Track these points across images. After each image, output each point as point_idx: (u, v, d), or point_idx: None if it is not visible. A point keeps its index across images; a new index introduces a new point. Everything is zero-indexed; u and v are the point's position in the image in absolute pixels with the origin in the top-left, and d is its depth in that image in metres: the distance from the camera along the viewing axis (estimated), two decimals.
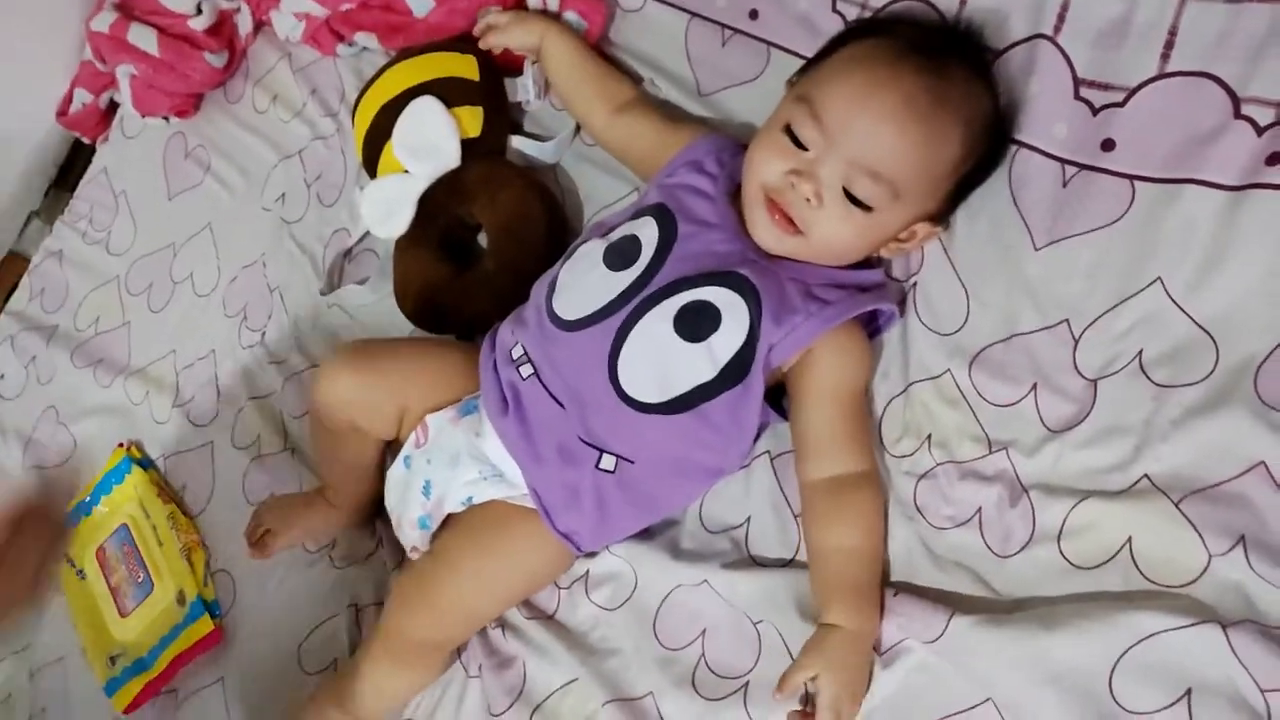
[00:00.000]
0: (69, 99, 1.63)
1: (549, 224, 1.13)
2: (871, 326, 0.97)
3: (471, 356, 1.04)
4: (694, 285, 0.91)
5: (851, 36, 0.95)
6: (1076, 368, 0.89)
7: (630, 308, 0.91)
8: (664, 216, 0.96)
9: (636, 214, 0.99)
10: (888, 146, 0.86)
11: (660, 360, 0.91)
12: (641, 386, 0.91)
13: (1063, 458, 0.87)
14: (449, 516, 1.02)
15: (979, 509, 0.89)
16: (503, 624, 1.04)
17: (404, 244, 1.20)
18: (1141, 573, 0.81)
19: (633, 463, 0.94)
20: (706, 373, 0.90)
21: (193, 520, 1.30)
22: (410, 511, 1.03)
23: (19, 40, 1.58)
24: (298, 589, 1.19)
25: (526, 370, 0.96)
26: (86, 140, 1.69)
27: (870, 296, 0.93)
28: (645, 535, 1.02)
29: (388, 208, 1.19)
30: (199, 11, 1.45)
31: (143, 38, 1.47)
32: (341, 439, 1.09)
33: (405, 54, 1.25)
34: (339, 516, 1.16)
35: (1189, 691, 0.76)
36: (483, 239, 1.22)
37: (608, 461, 0.94)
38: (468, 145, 1.17)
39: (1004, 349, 0.92)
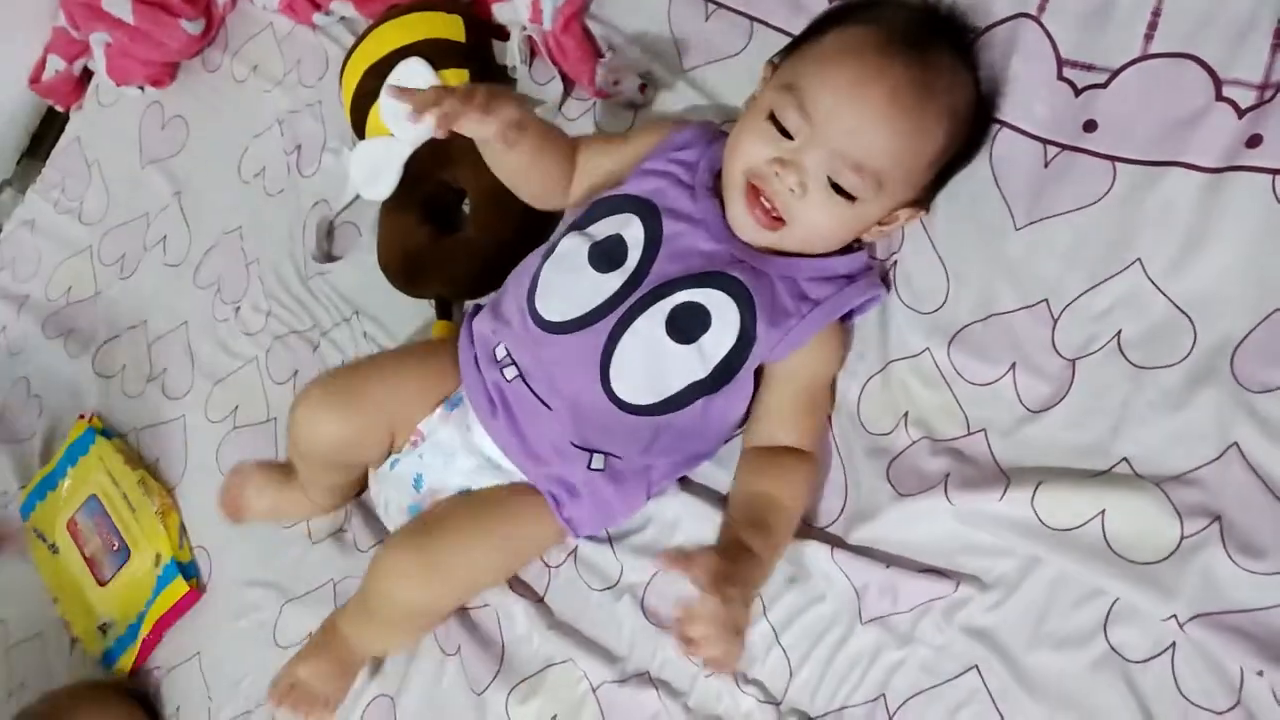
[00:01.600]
0: (42, 65, 1.61)
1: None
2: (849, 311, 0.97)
3: (450, 357, 1.02)
4: (684, 286, 0.90)
5: (836, 20, 0.94)
6: (1055, 347, 0.89)
7: (622, 311, 0.91)
8: (647, 213, 0.94)
9: (618, 209, 0.97)
10: (873, 139, 0.85)
11: (653, 363, 0.91)
12: (634, 389, 0.91)
13: (1040, 439, 0.87)
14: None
15: (947, 474, 0.89)
16: (488, 604, 1.04)
17: (388, 207, 1.20)
18: (1110, 545, 0.81)
19: (620, 458, 0.95)
20: (699, 372, 0.91)
21: (163, 484, 1.29)
22: (399, 500, 1.03)
23: None
24: (274, 564, 1.19)
25: (511, 372, 0.95)
26: (60, 108, 1.67)
27: (858, 288, 0.93)
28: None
29: (374, 170, 1.18)
30: None
31: (117, 4, 1.45)
32: (327, 469, 1.08)
33: (392, 12, 1.23)
34: (311, 508, 1.16)
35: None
36: (466, 205, 1.21)
37: (598, 461, 0.95)
38: None
39: (983, 328, 0.92)
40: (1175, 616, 0.77)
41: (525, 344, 0.95)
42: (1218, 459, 0.80)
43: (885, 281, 0.97)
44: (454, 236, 1.16)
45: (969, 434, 0.90)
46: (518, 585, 1.04)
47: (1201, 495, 0.79)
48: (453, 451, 0.99)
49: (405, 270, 1.17)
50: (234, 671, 1.16)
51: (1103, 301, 0.88)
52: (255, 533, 1.20)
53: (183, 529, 1.26)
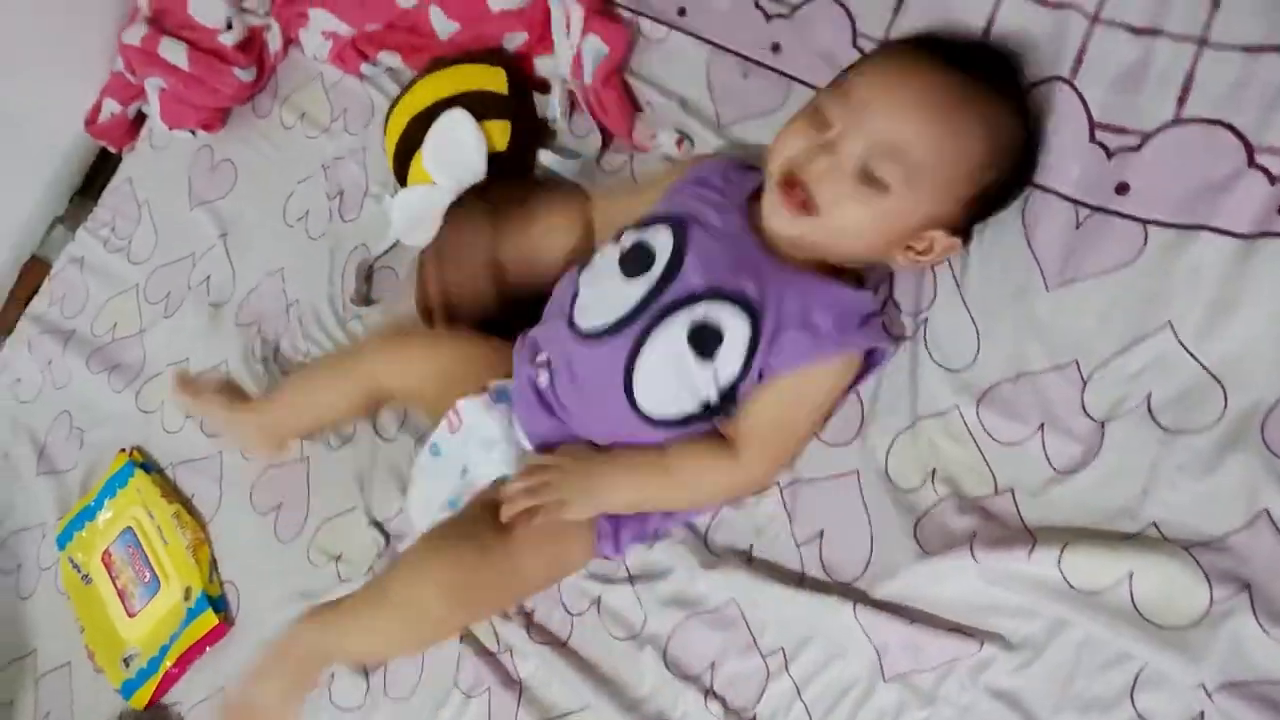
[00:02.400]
0: (98, 108, 1.66)
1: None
2: (869, 358, 0.97)
3: (499, 350, 1.07)
4: (704, 300, 0.92)
5: (895, 43, 0.98)
6: (1084, 409, 0.89)
7: (646, 319, 0.93)
8: (677, 223, 0.97)
9: (649, 222, 0.99)
10: (909, 126, 0.87)
11: (674, 375, 0.93)
12: (654, 401, 0.94)
13: (1068, 500, 0.87)
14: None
15: (974, 533, 0.88)
16: (511, 648, 1.04)
17: (429, 253, 1.21)
18: (1138, 609, 0.80)
19: None
20: (712, 391, 0.93)
21: (198, 518, 1.31)
22: (439, 495, 1.05)
23: (52, 49, 1.60)
24: (301, 602, 1.19)
25: (544, 379, 0.99)
26: (113, 150, 1.71)
27: (862, 334, 0.94)
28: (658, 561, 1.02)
29: (415, 217, 1.21)
30: (229, 27, 1.48)
31: (173, 51, 1.49)
32: (346, 387, 1.15)
33: (437, 64, 1.27)
34: (254, 431, 1.22)
35: None
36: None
37: None
38: (494, 159, 1.19)
39: (1012, 387, 0.92)
40: (1204, 685, 0.76)
41: (562, 351, 0.98)
42: (1247, 526, 0.79)
43: (902, 337, 0.98)
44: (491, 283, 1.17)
45: (996, 493, 0.90)
46: (539, 632, 1.04)
47: (1231, 562, 0.78)
48: (493, 441, 1.02)
49: (443, 315, 1.18)
50: None
51: (1133, 364, 0.88)
52: (285, 569, 1.22)
53: (214, 564, 1.28)
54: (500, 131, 1.20)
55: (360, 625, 1.01)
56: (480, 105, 1.20)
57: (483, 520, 0.99)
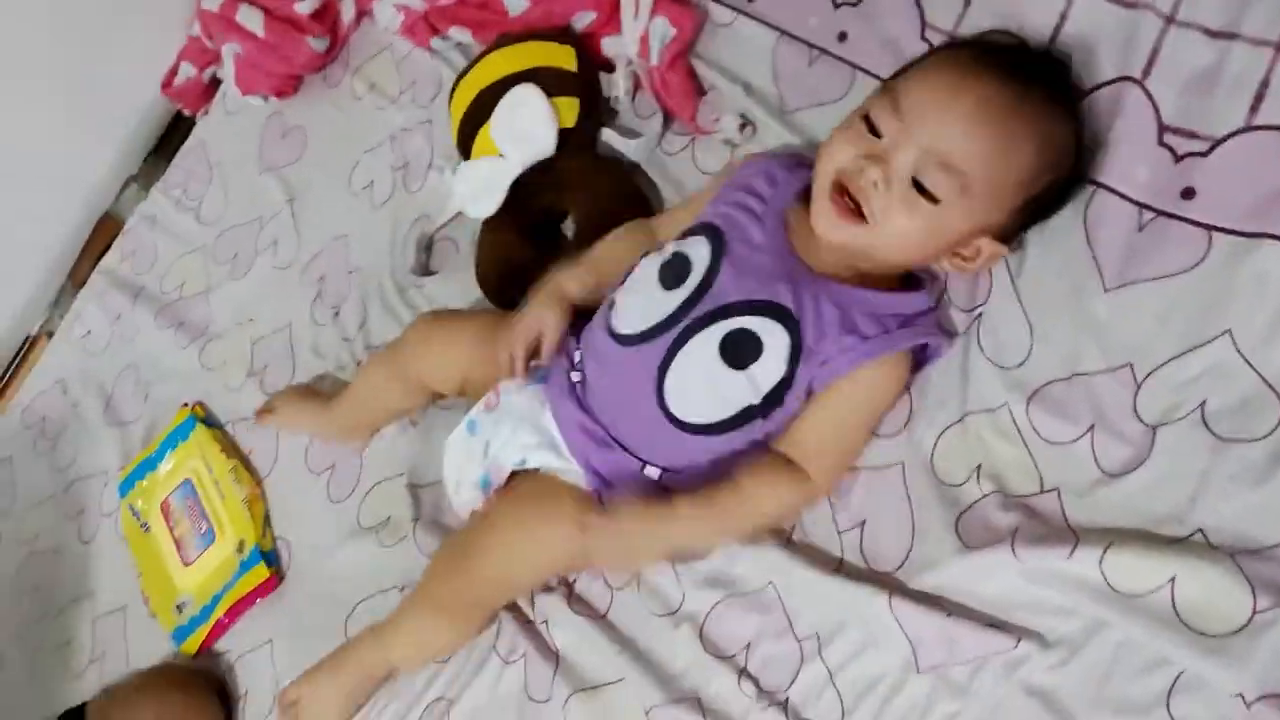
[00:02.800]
0: (174, 71, 1.70)
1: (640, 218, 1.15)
2: (920, 355, 0.97)
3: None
4: (740, 313, 0.93)
5: (944, 48, 0.97)
6: (1136, 412, 0.88)
7: (679, 328, 0.94)
8: (715, 236, 0.98)
9: (689, 234, 1.01)
10: (961, 137, 0.86)
11: (706, 383, 0.94)
12: (688, 407, 0.94)
13: (1115, 502, 0.86)
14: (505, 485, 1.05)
15: (1016, 529, 0.88)
16: (548, 619, 1.06)
17: (491, 225, 1.24)
18: (1178, 614, 0.79)
19: (678, 472, 0.98)
20: (751, 398, 0.93)
21: (254, 474, 1.35)
22: (471, 473, 1.07)
23: (132, 12, 1.65)
24: (348, 563, 1.23)
25: (576, 377, 1.01)
26: (187, 112, 1.76)
27: (908, 332, 0.94)
28: None
29: (480, 188, 1.23)
30: None
31: (250, 19, 1.52)
32: (399, 383, 1.18)
33: (505, 40, 1.28)
34: (337, 431, 1.27)
35: None
36: (567, 227, 1.25)
37: (652, 471, 0.98)
38: (561, 135, 1.21)
39: (1065, 387, 0.92)
40: (1242, 695, 0.76)
41: (595, 352, 1.00)
42: None
43: (967, 333, 0.97)
44: (554, 251, 1.19)
45: (1042, 492, 0.90)
46: (578, 603, 1.06)
47: (1276, 571, 0.78)
48: (520, 421, 1.03)
49: (504, 284, 1.21)
50: (303, 661, 1.20)
51: (1189, 370, 0.87)
52: (333, 529, 1.25)
53: (267, 519, 1.32)
54: (569, 108, 1.22)
55: (409, 636, 1.07)
56: (550, 81, 1.22)
57: (501, 515, 1.02)
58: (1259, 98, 0.90)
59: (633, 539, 0.95)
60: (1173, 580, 0.80)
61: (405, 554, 1.18)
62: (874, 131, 0.90)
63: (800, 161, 1.02)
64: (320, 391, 1.32)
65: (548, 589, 1.07)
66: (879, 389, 0.95)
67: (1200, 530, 0.82)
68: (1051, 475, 0.90)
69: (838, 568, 0.95)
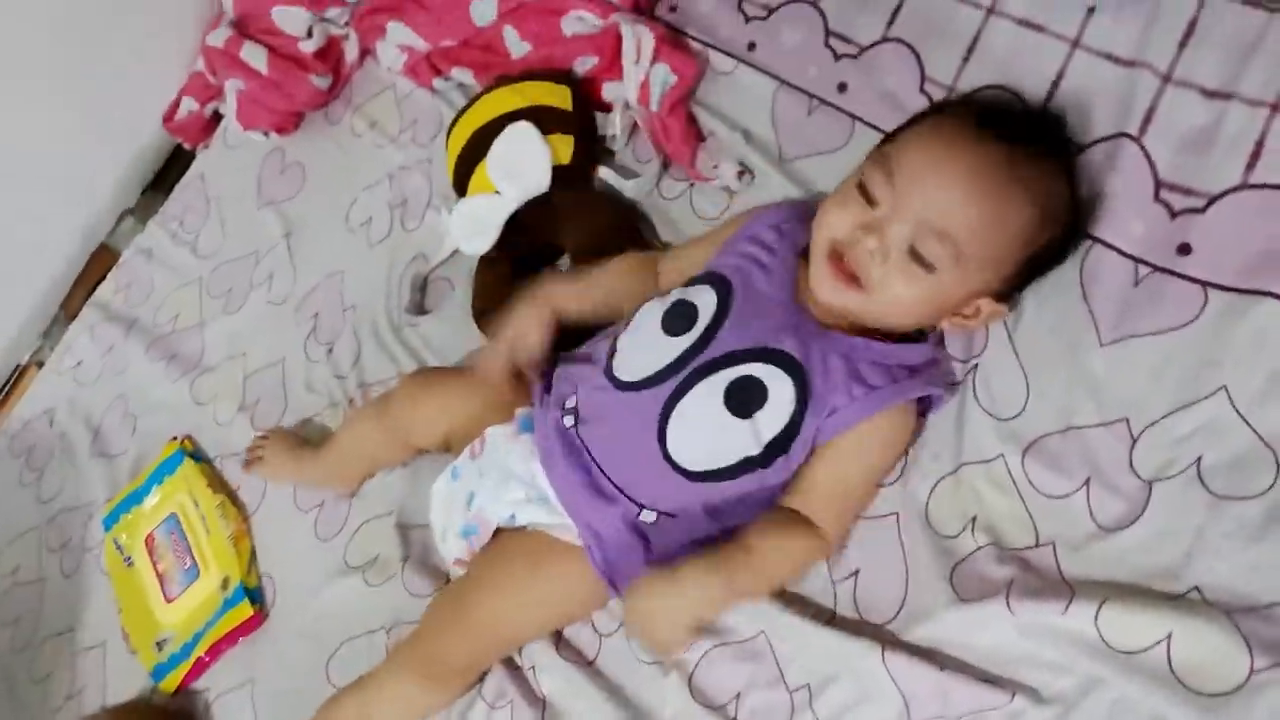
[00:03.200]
0: (176, 105, 1.71)
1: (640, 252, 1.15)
2: (921, 404, 0.97)
3: (526, 385, 1.07)
4: (745, 360, 0.92)
5: (936, 110, 0.97)
6: (1133, 467, 0.88)
7: (683, 375, 0.93)
8: (721, 285, 0.98)
9: (696, 281, 1.01)
10: (956, 208, 0.86)
11: (709, 431, 0.93)
12: (689, 454, 0.93)
13: (1110, 557, 0.86)
14: (491, 540, 1.03)
15: (1011, 582, 0.87)
16: (535, 665, 1.04)
17: (487, 262, 1.24)
18: (1175, 673, 0.79)
19: (674, 517, 0.96)
20: (752, 448, 0.92)
21: (241, 510, 1.34)
22: (454, 523, 1.05)
23: (136, 46, 1.66)
24: (334, 601, 1.21)
25: (569, 420, 0.99)
26: (187, 146, 1.76)
27: (916, 382, 0.93)
28: None
29: (476, 225, 1.23)
30: (310, 35, 1.52)
31: (254, 56, 1.53)
32: (384, 439, 1.17)
33: (502, 81, 1.30)
34: (323, 480, 1.27)
35: None
36: (563, 264, 1.25)
37: (648, 515, 0.96)
38: (557, 172, 1.22)
39: (1060, 440, 0.92)
40: None
41: (594, 398, 0.98)
42: None
43: (963, 384, 0.97)
44: None
45: (1037, 545, 0.89)
46: (567, 649, 1.04)
47: (1274, 631, 0.77)
48: (509, 475, 1.01)
49: (499, 321, 1.20)
50: (283, 703, 1.18)
51: (1185, 426, 0.87)
52: (319, 568, 1.23)
53: (253, 555, 1.30)
54: (564, 145, 1.23)
55: (394, 699, 1.04)
56: (545, 119, 1.23)
57: (493, 568, 1.01)
58: (1254, 156, 0.91)
59: (651, 614, 0.91)
60: (1169, 637, 0.79)
61: (393, 594, 1.17)
62: (869, 199, 0.90)
63: (808, 213, 1.02)
64: (308, 440, 1.31)
65: None
66: (888, 439, 0.94)
67: (1196, 587, 0.82)
68: (1047, 528, 0.90)
69: (830, 619, 0.94)
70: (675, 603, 0.90)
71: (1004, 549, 0.90)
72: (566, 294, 1.08)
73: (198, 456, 1.41)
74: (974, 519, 0.93)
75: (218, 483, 1.37)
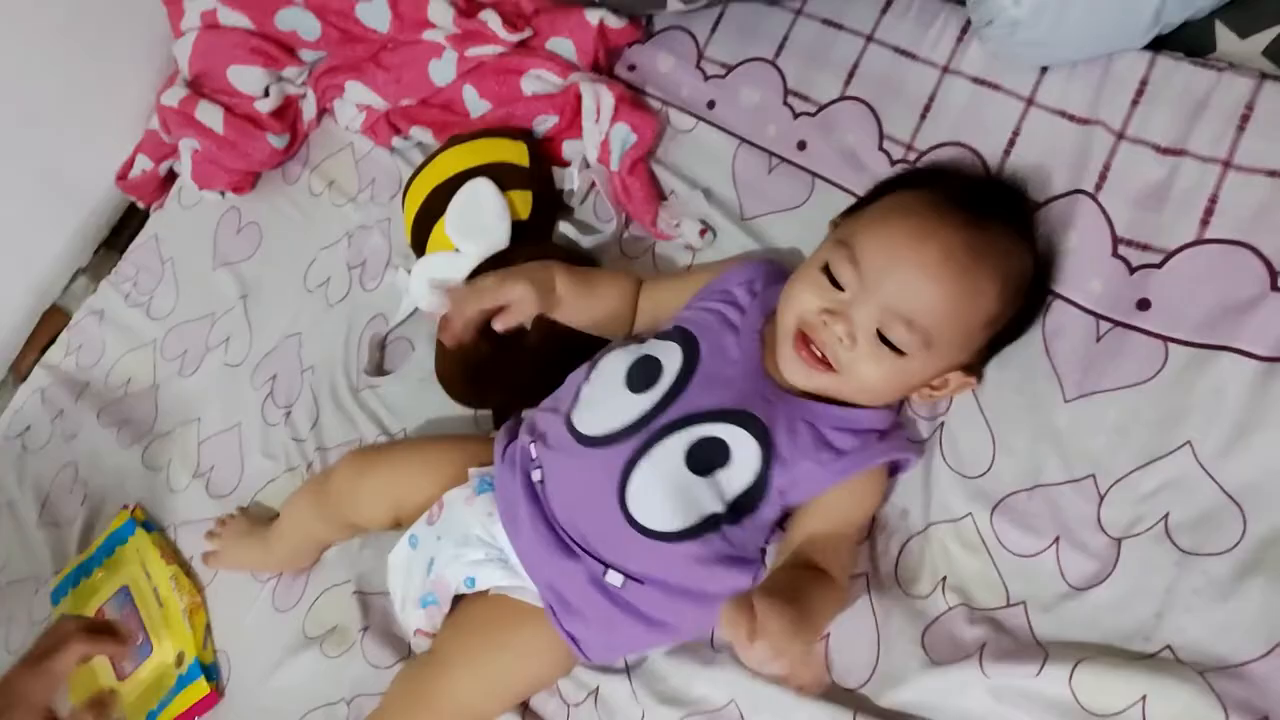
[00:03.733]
0: (130, 164, 1.68)
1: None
2: (891, 465, 0.96)
3: (476, 449, 1.06)
4: (709, 420, 0.91)
5: (896, 185, 0.97)
6: (1101, 525, 0.88)
7: (645, 434, 0.92)
8: (688, 343, 0.97)
9: (662, 335, 1.00)
10: (923, 297, 0.86)
11: (669, 490, 0.91)
12: (649, 513, 0.91)
13: (1081, 617, 0.85)
14: (451, 611, 1.01)
15: (984, 644, 0.86)
16: None
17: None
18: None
19: (641, 583, 0.94)
20: (715, 505, 0.91)
21: (196, 581, 1.30)
22: (413, 591, 1.02)
23: (90, 103, 1.63)
24: (293, 675, 1.17)
25: (537, 475, 0.97)
26: (141, 205, 1.73)
27: (885, 446, 0.93)
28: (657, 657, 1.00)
29: (436, 284, 1.21)
30: (266, 94, 1.51)
31: (209, 115, 1.52)
32: (327, 523, 1.14)
33: (458, 139, 1.29)
34: (277, 566, 1.23)
35: None
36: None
37: (614, 578, 0.94)
38: (517, 228, 1.20)
39: (1028, 498, 0.91)
40: None
41: (555, 454, 0.96)
42: (1266, 655, 0.78)
43: (929, 441, 0.97)
44: (514, 347, 1.17)
45: (1008, 605, 0.89)
46: (532, 718, 1.02)
47: (1248, 691, 0.77)
48: (466, 538, 0.99)
49: (467, 381, 1.18)
50: None
51: (1151, 482, 0.87)
52: (277, 640, 1.20)
53: (208, 629, 1.26)
54: (523, 201, 1.22)
55: None
56: (503, 176, 1.22)
57: (457, 644, 0.98)
58: (1209, 212, 0.93)
59: (786, 651, 0.76)
60: (1144, 699, 0.79)
61: (353, 665, 1.13)
62: (834, 282, 0.89)
63: (781, 275, 1.01)
64: (263, 524, 1.25)
65: None
66: (859, 503, 0.94)
67: (1169, 646, 0.81)
68: (1017, 588, 0.89)
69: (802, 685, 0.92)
70: (820, 620, 0.86)
71: (975, 609, 0.90)
72: (567, 283, 1.04)
73: (150, 526, 1.37)
74: (944, 579, 0.92)
75: (170, 553, 1.33)
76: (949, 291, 0.86)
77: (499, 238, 1.20)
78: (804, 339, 0.91)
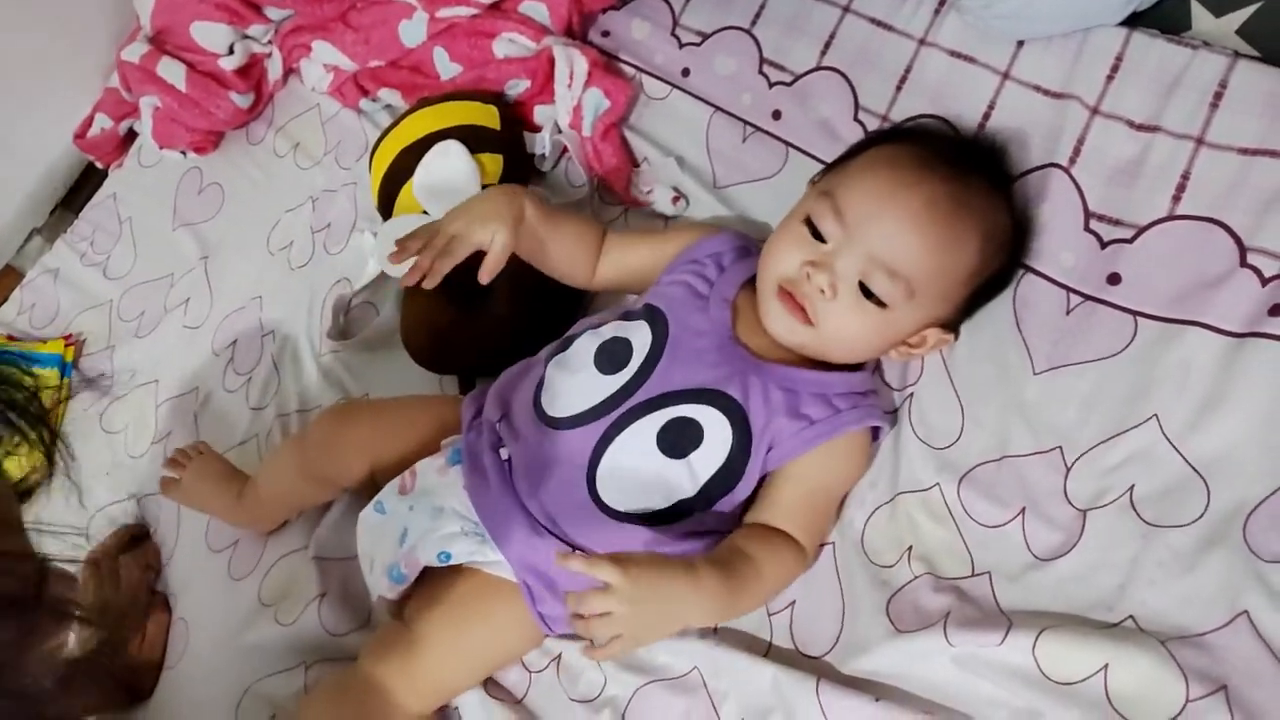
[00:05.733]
0: (89, 122, 1.64)
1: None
2: (872, 431, 0.96)
3: (452, 411, 1.04)
4: (680, 401, 0.90)
5: (878, 140, 0.97)
6: (1067, 496, 0.88)
7: (615, 416, 0.91)
8: (657, 321, 0.95)
9: (631, 315, 0.98)
10: (907, 245, 0.86)
11: (642, 473, 0.90)
12: (619, 495, 0.91)
13: (1046, 587, 0.86)
14: (422, 580, 0.99)
15: (948, 613, 0.86)
16: (461, 705, 0.99)
17: (414, 286, 1.19)
18: (1111, 703, 0.78)
19: None
20: (687, 489, 0.90)
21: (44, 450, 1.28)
22: (382, 557, 1.00)
23: (48, 60, 1.59)
24: (249, 642, 1.15)
25: (504, 453, 0.96)
26: (100, 165, 1.69)
27: (860, 412, 0.92)
28: None
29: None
30: (231, 52, 1.47)
31: (171, 72, 1.48)
32: (304, 479, 1.10)
33: (427, 101, 1.26)
34: (243, 522, 1.19)
35: None
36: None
37: None
38: (485, 191, 1.17)
39: (995, 469, 0.91)
40: None
41: (522, 434, 0.95)
42: (1226, 625, 0.78)
43: (898, 412, 0.97)
44: (482, 313, 1.15)
45: (973, 575, 0.89)
46: (495, 688, 1.00)
47: (1208, 661, 0.77)
48: (440, 509, 0.97)
49: (433, 347, 1.16)
50: None
51: (1117, 455, 0.88)
52: (233, 608, 1.17)
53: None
54: (493, 164, 1.19)
55: None
56: (473, 139, 1.20)
57: (429, 619, 0.95)
58: (1180, 189, 0.93)
59: (645, 611, 0.82)
60: (1105, 668, 0.79)
61: (309, 631, 1.11)
62: (816, 235, 0.89)
63: (750, 248, 1.01)
64: (237, 473, 1.21)
65: None
66: (838, 468, 0.93)
67: (1131, 617, 0.82)
68: (983, 558, 0.89)
69: (766, 651, 0.92)
70: (679, 609, 0.85)
71: (940, 579, 0.90)
72: (535, 211, 0.99)
73: (68, 370, 1.41)
74: (910, 548, 0.92)
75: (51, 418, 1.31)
76: (932, 241, 0.86)
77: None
78: (786, 294, 0.90)
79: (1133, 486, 0.86)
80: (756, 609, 0.93)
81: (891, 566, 0.92)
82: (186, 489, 1.20)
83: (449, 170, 1.18)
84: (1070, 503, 0.88)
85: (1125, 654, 0.78)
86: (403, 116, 1.26)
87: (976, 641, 0.83)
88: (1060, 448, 0.90)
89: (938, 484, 0.92)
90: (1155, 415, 0.87)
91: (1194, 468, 0.84)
